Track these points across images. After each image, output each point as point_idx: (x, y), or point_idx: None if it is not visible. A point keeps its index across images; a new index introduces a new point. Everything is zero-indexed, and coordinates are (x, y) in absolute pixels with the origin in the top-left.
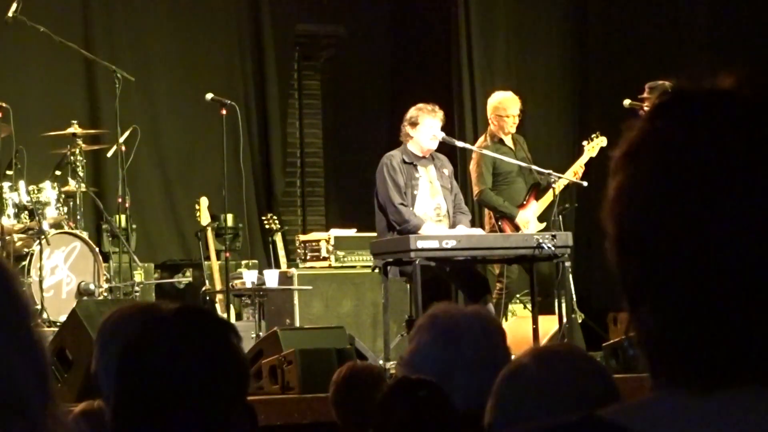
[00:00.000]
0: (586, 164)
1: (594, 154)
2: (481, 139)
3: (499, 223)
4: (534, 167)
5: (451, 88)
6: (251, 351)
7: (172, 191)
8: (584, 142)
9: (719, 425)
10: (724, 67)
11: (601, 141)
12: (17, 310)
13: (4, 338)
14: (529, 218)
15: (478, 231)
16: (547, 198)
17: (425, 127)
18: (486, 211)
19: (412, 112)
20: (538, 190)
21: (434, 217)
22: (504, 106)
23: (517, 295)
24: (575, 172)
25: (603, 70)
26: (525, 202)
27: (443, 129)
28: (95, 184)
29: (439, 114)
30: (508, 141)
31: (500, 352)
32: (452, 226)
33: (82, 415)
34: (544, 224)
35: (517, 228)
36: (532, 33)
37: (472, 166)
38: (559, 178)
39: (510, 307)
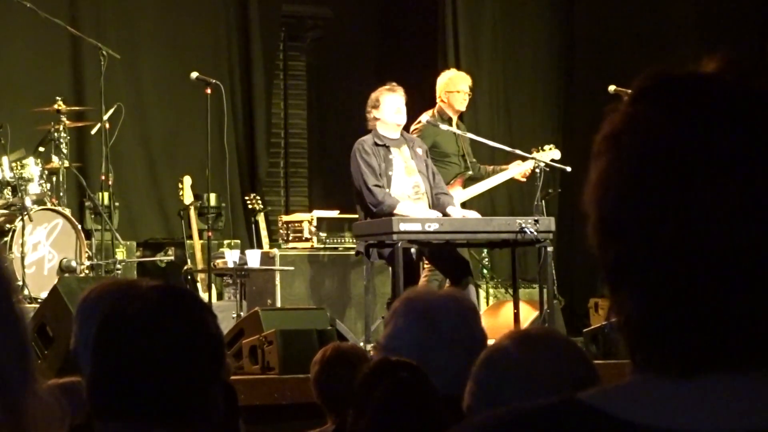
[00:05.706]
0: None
1: (541, 165)
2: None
3: None
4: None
5: (437, 73)
6: (232, 331)
7: (156, 169)
8: (533, 149)
9: (697, 410)
10: (710, 54)
11: (552, 154)
12: None
13: None
14: None
15: (472, 213)
16: (476, 189)
17: (386, 104)
18: None
19: (371, 97)
20: (465, 178)
21: (413, 195)
22: (454, 82)
23: (499, 280)
24: (513, 176)
25: (589, 57)
26: (448, 186)
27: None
28: (79, 161)
29: (399, 90)
30: (455, 123)
31: (476, 333)
32: (433, 206)
33: (60, 389)
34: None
35: None
36: (519, 19)
37: None
38: (496, 172)
39: (491, 291)
